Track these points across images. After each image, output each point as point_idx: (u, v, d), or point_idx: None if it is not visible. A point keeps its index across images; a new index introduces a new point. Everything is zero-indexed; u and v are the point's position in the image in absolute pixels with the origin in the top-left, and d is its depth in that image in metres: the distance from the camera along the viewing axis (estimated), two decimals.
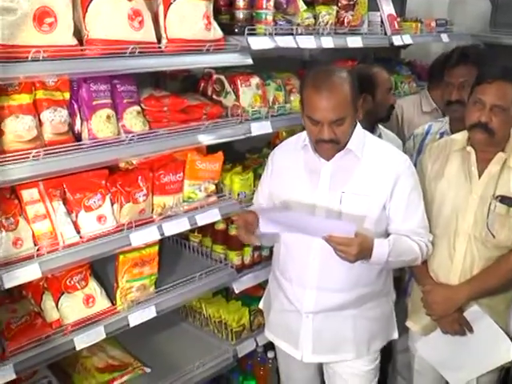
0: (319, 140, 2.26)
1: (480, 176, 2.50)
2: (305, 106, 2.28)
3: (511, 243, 2.48)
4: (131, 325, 2.58)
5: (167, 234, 2.62)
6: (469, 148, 2.52)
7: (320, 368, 2.73)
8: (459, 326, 2.55)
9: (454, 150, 2.59)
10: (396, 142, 3.13)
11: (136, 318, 2.59)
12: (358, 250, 2.17)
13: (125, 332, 2.59)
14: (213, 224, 3.04)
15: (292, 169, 2.44)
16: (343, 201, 2.33)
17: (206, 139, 2.66)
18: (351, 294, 2.42)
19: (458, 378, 2.69)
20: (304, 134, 2.40)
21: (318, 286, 2.41)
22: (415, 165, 2.84)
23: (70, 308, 2.43)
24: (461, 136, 2.59)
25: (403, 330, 3.19)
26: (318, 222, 2.29)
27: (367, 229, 2.29)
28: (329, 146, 2.27)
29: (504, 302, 2.57)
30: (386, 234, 2.40)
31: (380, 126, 3.08)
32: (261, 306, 2.84)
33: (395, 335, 2.68)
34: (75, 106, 2.32)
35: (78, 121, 2.33)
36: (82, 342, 2.41)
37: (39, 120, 2.18)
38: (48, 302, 2.44)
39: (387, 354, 2.90)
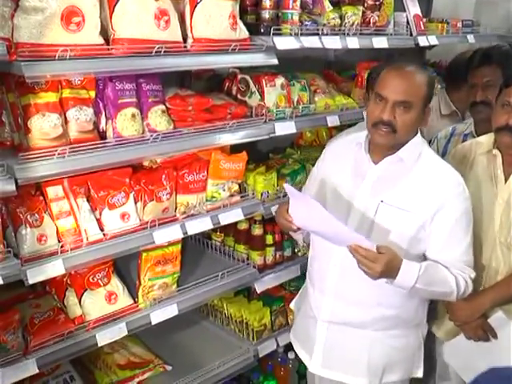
0: (377, 121, 2.15)
1: (506, 180, 2.47)
2: (376, 85, 2.21)
3: None
4: (153, 322, 2.60)
5: (190, 232, 2.63)
6: (495, 151, 2.48)
7: None
8: (483, 332, 2.52)
9: (480, 153, 2.56)
10: None
11: (158, 316, 2.61)
12: (383, 268, 2.03)
13: (146, 329, 2.61)
14: (235, 224, 3.05)
15: (340, 165, 2.37)
16: (379, 210, 2.22)
17: (231, 139, 2.66)
18: (370, 312, 2.30)
19: None
20: (361, 132, 2.33)
21: (335, 294, 2.33)
22: None
23: (93, 304, 2.45)
24: (486, 139, 2.56)
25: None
26: (342, 230, 2.08)
27: (399, 247, 2.16)
28: (384, 130, 2.15)
29: None
30: (423, 258, 2.26)
31: None
32: (292, 306, 2.79)
33: (419, 373, 2.48)
34: (100, 105, 2.34)
35: (102, 119, 2.35)
36: (104, 338, 2.44)
37: (65, 118, 2.21)
38: (71, 299, 2.47)
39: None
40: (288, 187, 2.18)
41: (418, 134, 2.27)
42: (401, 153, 2.21)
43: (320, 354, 2.41)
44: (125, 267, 2.75)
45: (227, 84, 2.98)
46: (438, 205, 2.18)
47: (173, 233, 2.57)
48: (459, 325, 2.57)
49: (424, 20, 3.44)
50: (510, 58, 3.04)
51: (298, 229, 2.26)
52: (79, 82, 2.25)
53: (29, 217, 2.21)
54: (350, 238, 2.07)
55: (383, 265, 2.03)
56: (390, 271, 2.06)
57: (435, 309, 2.76)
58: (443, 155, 3.03)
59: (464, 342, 2.60)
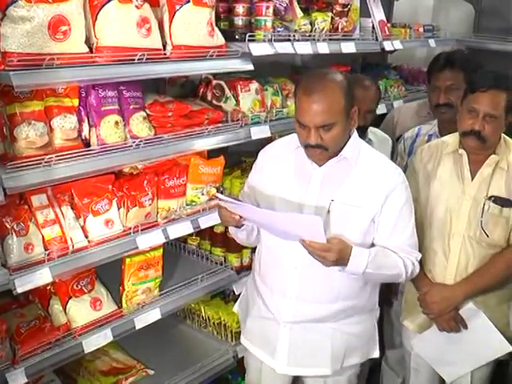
0: (307, 144, 2.19)
1: (473, 177, 2.57)
2: (296, 108, 2.21)
3: (504, 242, 2.57)
4: (137, 327, 2.62)
5: (172, 237, 2.67)
6: (461, 151, 2.58)
7: (293, 381, 2.65)
8: (455, 324, 2.63)
9: (446, 153, 2.65)
10: (386, 142, 3.18)
11: (141, 321, 2.64)
12: (336, 256, 2.11)
13: (126, 335, 2.62)
14: (211, 227, 3.08)
15: (282, 171, 2.36)
16: (332, 209, 2.25)
17: (209, 144, 2.71)
18: (332, 307, 2.36)
19: (451, 373, 2.76)
20: (296, 136, 2.31)
21: (298, 297, 2.35)
22: (406, 166, 2.93)
23: (78, 312, 2.46)
24: (452, 139, 2.66)
25: (390, 327, 3.28)
26: (281, 217, 2.13)
27: (348, 238, 2.22)
28: (316, 151, 2.20)
29: (495, 297, 2.64)
30: (372, 246, 2.33)
31: (372, 128, 3.12)
32: (235, 309, 2.78)
33: (375, 354, 2.58)
34: (83, 113, 2.35)
35: (85, 127, 2.36)
36: (90, 345, 2.45)
37: (50, 126, 2.21)
38: (56, 307, 2.47)
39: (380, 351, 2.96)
40: (221, 197, 2.23)
41: (355, 132, 2.31)
42: (344, 152, 2.26)
43: (285, 354, 2.42)
44: (105, 273, 2.75)
45: (202, 90, 3.02)
46: (384, 196, 2.26)
47: (155, 237, 2.60)
48: (433, 318, 2.67)
49: (388, 25, 3.56)
50: (471, 63, 3.16)
51: (242, 225, 2.30)
52: (62, 91, 2.26)
53: (15, 226, 2.22)
54: (299, 222, 2.11)
55: (336, 253, 2.11)
56: (342, 259, 2.14)
57: (406, 303, 2.87)
58: (409, 154, 3.15)
59: (436, 334, 2.70)
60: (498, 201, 2.53)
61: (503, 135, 2.59)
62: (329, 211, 2.25)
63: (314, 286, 2.32)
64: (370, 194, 2.26)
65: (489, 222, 2.54)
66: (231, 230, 2.50)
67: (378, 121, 3.67)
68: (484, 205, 2.54)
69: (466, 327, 2.63)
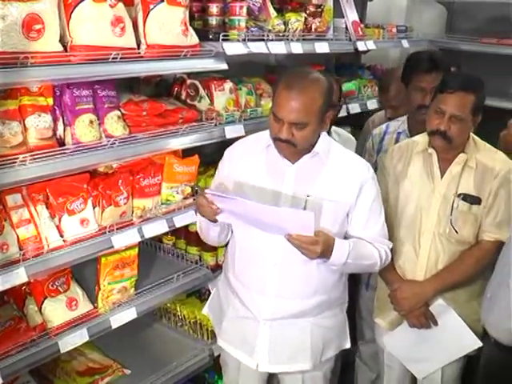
0: (277, 138, 2.22)
1: (442, 176, 2.62)
2: (274, 101, 2.24)
3: (473, 238, 2.63)
4: (113, 327, 2.62)
5: (147, 236, 2.67)
6: (430, 150, 2.63)
7: (269, 378, 2.71)
8: (425, 320, 2.67)
9: (416, 152, 2.70)
10: (351, 142, 3.22)
11: (117, 320, 2.63)
12: (322, 248, 2.16)
13: (102, 335, 2.61)
14: (186, 226, 3.09)
15: (252, 170, 2.38)
16: (308, 204, 2.29)
17: (184, 143, 2.72)
18: (310, 302, 2.41)
19: (421, 370, 2.81)
20: (265, 134, 2.36)
21: (277, 293, 2.38)
22: (376, 164, 2.97)
23: (54, 311, 2.46)
24: (422, 138, 2.70)
25: (363, 322, 3.31)
26: (272, 211, 2.15)
27: (328, 229, 2.27)
28: (284, 145, 2.23)
29: (465, 293, 2.70)
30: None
31: (335, 127, 3.17)
32: (205, 311, 2.80)
33: (347, 344, 2.65)
34: (57, 112, 2.34)
35: (60, 126, 2.35)
36: (66, 344, 2.44)
37: (24, 125, 2.20)
38: (31, 307, 2.46)
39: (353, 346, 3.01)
40: (211, 192, 2.24)
41: (324, 132, 2.35)
42: (316, 148, 2.30)
43: (266, 352, 2.46)
44: (80, 273, 2.75)
45: (176, 89, 3.02)
46: (357, 189, 2.33)
47: (131, 237, 2.61)
48: (404, 314, 2.71)
49: (362, 26, 3.60)
50: (449, 65, 3.22)
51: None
52: (37, 90, 2.25)
53: None
54: (290, 217, 2.14)
55: (322, 246, 2.15)
56: (326, 251, 2.19)
57: (378, 300, 2.91)
58: (378, 151, 3.20)
59: (406, 331, 2.74)
60: (467, 198, 2.59)
61: (472, 135, 2.65)
62: (305, 207, 2.29)
63: (293, 282, 2.36)
64: (343, 188, 2.32)
65: (458, 219, 2.60)
66: (204, 226, 2.48)
67: (354, 120, 3.73)
68: (453, 202, 2.60)
69: (436, 323, 2.68)
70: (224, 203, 2.21)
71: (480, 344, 2.62)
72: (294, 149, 2.24)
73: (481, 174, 2.59)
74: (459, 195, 2.59)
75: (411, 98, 3.13)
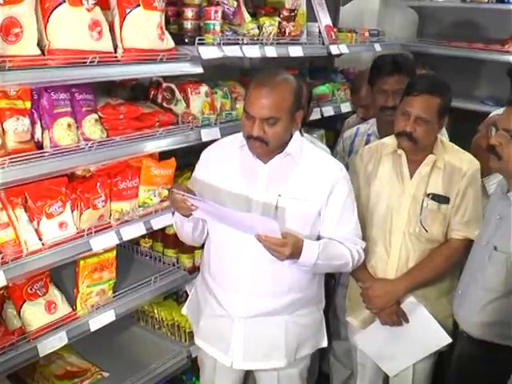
0: (249, 136, 2.28)
1: (411, 176, 2.69)
2: (245, 101, 2.31)
3: (442, 237, 2.70)
4: (92, 329, 2.63)
5: (125, 238, 2.69)
6: (400, 151, 2.70)
7: (245, 376, 2.75)
8: (397, 317, 2.74)
9: (386, 153, 2.76)
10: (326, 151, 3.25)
11: (96, 323, 2.64)
12: (290, 250, 2.20)
13: (80, 339, 2.62)
14: (163, 229, 3.11)
15: (227, 170, 2.44)
16: (279, 203, 2.35)
17: (160, 146, 2.74)
18: (284, 300, 2.45)
19: (393, 367, 2.87)
20: (240, 135, 2.41)
21: (250, 291, 2.43)
22: (347, 166, 3.02)
23: (33, 315, 2.46)
24: (391, 140, 2.77)
25: (337, 320, 3.36)
26: (240, 216, 2.23)
27: (297, 231, 2.31)
28: (257, 143, 2.28)
29: (435, 291, 2.77)
30: (318, 239, 2.43)
31: (308, 135, 3.19)
32: (184, 311, 2.84)
33: (324, 343, 2.70)
34: (35, 115, 2.35)
35: (38, 129, 2.36)
36: (45, 348, 2.45)
37: (2, 129, 2.21)
38: (9, 311, 2.45)
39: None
40: (184, 193, 2.27)
41: (296, 132, 2.41)
42: (288, 149, 2.36)
43: (241, 350, 2.49)
44: (58, 276, 2.75)
45: (152, 92, 3.04)
46: (329, 189, 2.37)
47: (109, 239, 2.62)
48: (376, 312, 2.77)
49: (335, 30, 3.66)
50: (413, 67, 3.29)
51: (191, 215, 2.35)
52: (15, 93, 2.25)
53: None
54: (256, 222, 2.21)
55: (291, 247, 2.20)
56: (295, 253, 2.23)
57: (350, 300, 2.97)
58: (349, 153, 3.26)
59: (378, 329, 2.80)
60: (436, 198, 2.66)
61: (439, 136, 2.72)
62: (277, 206, 2.34)
63: (266, 280, 2.41)
64: (315, 187, 2.37)
65: (427, 219, 2.66)
66: (178, 221, 2.53)
67: (327, 123, 3.78)
68: (423, 202, 2.66)
69: (407, 321, 2.75)
70: (196, 203, 2.26)
71: (450, 340, 2.69)
72: (265, 147, 2.29)
73: (449, 174, 2.66)
74: (428, 195, 2.66)
75: (375, 100, 3.21)
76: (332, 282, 3.42)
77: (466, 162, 2.69)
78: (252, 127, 2.25)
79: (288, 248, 2.20)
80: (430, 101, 2.57)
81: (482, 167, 2.72)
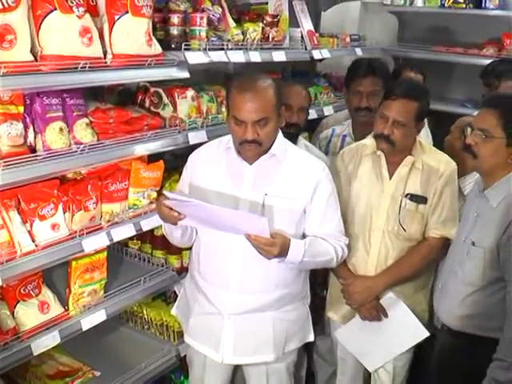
0: (243, 141, 2.34)
1: (391, 177, 2.78)
2: (230, 107, 2.37)
3: (420, 235, 2.80)
4: (84, 329, 2.68)
5: (115, 239, 2.75)
6: (379, 152, 2.78)
7: (234, 372, 2.83)
8: (376, 312, 2.82)
9: (365, 154, 2.85)
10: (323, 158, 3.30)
11: (88, 322, 2.70)
12: (279, 250, 2.27)
13: (70, 339, 2.67)
14: (151, 231, 3.17)
15: (214, 172, 2.50)
16: (266, 202, 2.42)
17: (149, 149, 2.81)
18: (272, 295, 2.53)
19: (373, 362, 2.95)
20: (226, 137, 2.50)
21: (240, 288, 2.50)
22: None
23: (27, 315, 2.51)
24: (370, 141, 2.86)
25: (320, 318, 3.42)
26: (229, 213, 2.27)
27: (283, 230, 2.38)
28: (251, 147, 2.35)
29: (412, 286, 2.87)
30: (303, 236, 2.51)
31: (305, 141, 3.28)
32: (174, 312, 2.90)
33: (311, 337, 2.78)
34: (28, 119, 2.40)
35: (30, 133, 2.41)
36: (39, 347, 2.50)
37: None
38: (3, 311, 2.49)
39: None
40: (171, 195, 2.33)
41: (280, 132, 2.50)
42: (273, 150, 2.43)
43: (231, 346, 2.56)
44: (49, 277, 2.80)
45: (140, 97, 3.11)
46: (313, 188, 2.46)
47: (100, 240, 2.68)
48: (356, 308, 2.86)
49: (316, 35, 3.75)
50: (388, 71, 3.40)
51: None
52: (8, 98, 2.31)
53: None
54: (246, 220, 2.26)
55: (279, 247, 2.28)
56: (282, 251, 2.31)
57: (331, 296, 3.05)
58: (326, 154, 3.32)
59: (358, 325, 2.89)
60: (414, 198, 2.76)
61: (418, 139, 2.81)
62: (263, 205, 2.42)
63: (254, 277, 2.48)
64: (299, 186, 2.46)
65: (406, 218, 2.76)
66: (167, 228, 2.59)
67: (311, 126, 3.85)
68: (401, 202, 2.75)
69: (386, 315, 2.84)
70: (184, 207, 2.31)
71: (427, 334, 2.78)
72: (259, 148, 2.38)
73: (427, 174, 2.75)
74: (406, 195, 2.75)
75: (350, 101, 3.31)
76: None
77: (444, 162, 2.79)
78: (245, 132, 2.32)
79: (276, 248, 2.27)
80: (407, 105, 2.65)
81: (457, 168, 2.81)
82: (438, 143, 3.30)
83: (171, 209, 2.33)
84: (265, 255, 2.29)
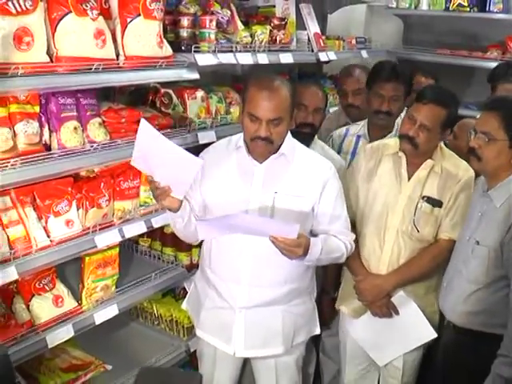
0: (255, 137, 2.39)
1: (409, 178, 2.82)
2: (247, 104, 2.42)
3: (432, 237, 2.84)
4: (97, 322, 2.76)
5: (127, 236, 2.83)
6: (400, 153, 2.83)
7: (242, 367, 2.89)
8: (387, 310, 2.88)
9: (386, 154, 2.90)
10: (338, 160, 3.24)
11: (101, 316, 2.78)
12: (303, 250, 2.35)
13: (82, 334, 2.75)
14: (162, 228, 3.25)
15: (224, 171, 2.55)
16: (276, 200, 2.48)
17: None
18: (282, 290, 2.59)
19: (383, 357, 3.01)
20: (235, 137, 2.56)
21: (250, 283, 2.56)
22: None
23: (41, 308, 2.59)
24: (393, 142, 2.91)
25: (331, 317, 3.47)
26: (263, 222, 2.38)
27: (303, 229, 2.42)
28: (263, 144, 2.40)
29: (423, 287, 2.91)
30: (310, 233, 2.57)
31: (321, 142, 3.28)
32: (184, 306, 2.95)
33: (317, 330, 2.85)
34: (43, 119, 2.49)
35: (46, 132, 2.50)
36: (53, 339, 2.58)
37: (14, 132, 2.34)
38: (19, 305, 2.58)
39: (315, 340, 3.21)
40: (201, 222, 2.43)
41: (289, 134, 2.55)
42: (282, 149, 2.49)
43: (242, 339, 2.62)
44: (62, 272, 2.87)
45: (151, 97, 3.19)
46: (321, 186, 2.53)
47: (112, 237, 2.75)
48: (367, 304, 2.92)
49: (323, 37, 3.82)
50: (412, 78, 3.44)
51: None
52: (24, 98, 2.38)
53: None
54: (277, 225, 2.34)
55: (303, 248, 2.35)
56: (305, 251, 2.38)
57: (343, 290, 3.10)
58: (338, 153, 3.34)
59: (370, 320, 2.94)
60: (430, 201, 2.79)
61: (440, 144, 2.85)
62: (273, 203, 2.49)
63: (265, 272, 2.55)
64: (308, 185, 2.53)
65: (420, 219, 2.80)
66: (170, 219, 2.56)
67: None
68: (417, 203, 2.80)
69: (397, 313, 2.88)
70: (215, 226, 2.39)
71: (435, 335, 2.83)
72: (271, 147, 2.44)
73: (444, 179, 2.80)
74: (423, 197, 2.80)
75: (370, 103, 3.33)
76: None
77: (462, 169, 2.83)
78: (259, 129, 2.38)
79: (301, 248, 2.34)
80: (435, 110, 2.69)
81: None
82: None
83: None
84: (288, 256, 2.36)
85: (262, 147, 2.44)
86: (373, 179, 2.90)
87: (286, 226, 2.32)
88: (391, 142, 2.93)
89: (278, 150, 2.50)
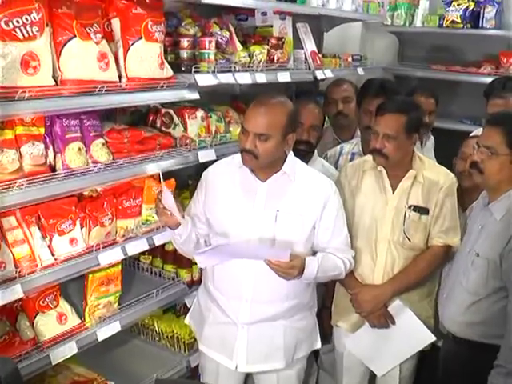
0: (242, 149, 2.49)
1: (394, 190, 2.90)
2: (244, 118, 2.55)
3: (423, 244, 2.93)
4: (99, 339, 2.79)
5: (130, 253, 2.87)
6: (379, 167, 2.91)
7: (245, 379, 2.91)
8: (385, 320, 2.94)
9: (367, 169, 2.98)
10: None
11: (103, 333, 2.81)
12: (298, 272, 2.45)
13: (84, 351, 2.77)
14: (163, 246, 3.30)
15: (227, 188, 2.62)
16: (278, 219, 2.55)
17: (161, 167, 2.92)
18: (283, 305, 2.65)
19: (381, 367, 3.06)
20: (238, 155, 2.59)
21: (253, 299, 2.61)
22: None
23: (45, 326, 2.62)
24: (371, 157, 2.98)
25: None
26: (256, 248, 2.53)
27: (300, 251, 2.55)
28: (247, 157, 2.47)
29: (417, 294, 2.99)
30: (312, 251, 2.66)
31: (322, 160, 3.38)
32: (187, 321, 3.01)
33: (318, 345, 2.92)
34: (48, 140, 2.54)
35: (50, 153, 2.55)
36: (57, 356, 2.61)
37: (20, 153, 2.39)
38: (23, 322, 2.62)
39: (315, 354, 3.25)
40: (200, 253, 2.52)
41: (291, 152, 2.64)
42: (284, 168, 2.57)
43: (244, 354, 2.68)
44: (65, 289, 2.91)
45: (151, 118, 3.24)
46: (322, 204, 2.60)
47: (115, 254, 2.80)
48: (365, 316, 2.97)
49: (320, 55, 3.89)
50: (400, 93, 3.51)
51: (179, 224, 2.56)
52: (30, 120, 2.44)
53: None
54: (269, 251, 2.48)
55: (298, 269, 2.45)
56: (300, 271, 2.47)
57: (337, 306, 3.15)
58: None
59: (367, 332, 3.00)
60: (417, 209, 2.88)
61: (417, 152, 2.95)
62: (275, 220, 2.56)
63: (267, 288, 2.61)
64: (309, 203, 2.60)
65: (410, 228, 2.89)
66: (171, 235, 2.71)
67: None
68: (405, 213, 2.88)
69: (394, 322, 2.95)
70: (214, 254, 2.51)
71: (434, 338, 2.90)
72: (256, 161, 2.50)
73: (427, 187, 2.88)
74: (410, 207, 2.88)
75: (361, 120, 3.43)
76: None
77: (443, 175, 2.92)
78: (246, 140, 2.46)
79: (296, 270, 2.44)
80: (394, 118, 2.79)
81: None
82: (437, 158, 3.42)
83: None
84: (284, 277, 2.45)
85: (248, 161, 2.51)
86: (358, 195, 2.97)
87: (277, 252, 2.45)
88: (370, 157, 2.99)
89: (281, 168, 2.57)
